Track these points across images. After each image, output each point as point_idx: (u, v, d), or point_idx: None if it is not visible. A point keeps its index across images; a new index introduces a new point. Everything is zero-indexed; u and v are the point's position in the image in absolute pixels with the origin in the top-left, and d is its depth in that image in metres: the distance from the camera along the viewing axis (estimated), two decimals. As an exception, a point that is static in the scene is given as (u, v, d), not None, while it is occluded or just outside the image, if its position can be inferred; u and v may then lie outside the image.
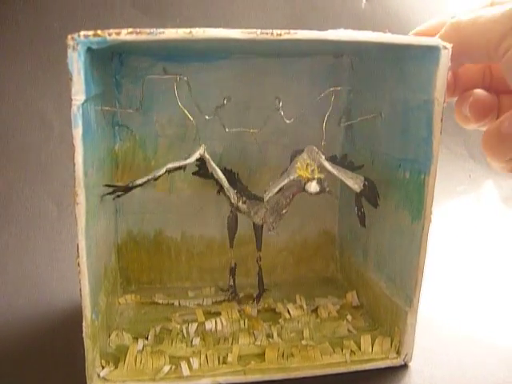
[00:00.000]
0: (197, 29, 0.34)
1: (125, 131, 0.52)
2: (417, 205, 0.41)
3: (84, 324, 0.37)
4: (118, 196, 0.44)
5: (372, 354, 0.44)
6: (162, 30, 0.33)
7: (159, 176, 0.43)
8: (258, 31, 0.34)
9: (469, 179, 0.88)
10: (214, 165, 0.44)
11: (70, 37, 0.33)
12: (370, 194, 0.45)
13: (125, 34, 0.33)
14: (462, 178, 0.88)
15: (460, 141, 0.87)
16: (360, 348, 0.44)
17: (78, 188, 0.35)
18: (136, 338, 0.45)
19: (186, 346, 0.44)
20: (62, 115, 0.68)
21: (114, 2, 0.70)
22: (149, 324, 0.48)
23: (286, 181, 0.43)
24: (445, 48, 0.36)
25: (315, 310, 0.51)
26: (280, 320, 0.49)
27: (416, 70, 0.40)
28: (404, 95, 0.42)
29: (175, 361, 0.42)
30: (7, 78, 0.69)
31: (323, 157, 0.43)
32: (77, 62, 0.33)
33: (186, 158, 0.43)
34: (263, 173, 0.55)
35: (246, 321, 0.48)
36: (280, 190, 0.44)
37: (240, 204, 0.47)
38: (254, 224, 0.50)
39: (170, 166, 0.43)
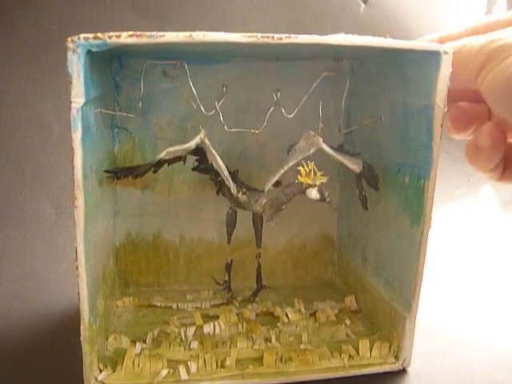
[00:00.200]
0: (197, 32, 0.34)
1: (124, 133, 0.52)
2: (416, 210, 0.41)
3: (82, 327, 0.37)
4: (118, 178, 0.44)
5: (370, 359, 0.44)
6: (162, 33, 0.33)
7: (159, 161, 0.43)
8: (259, 35, 0.34)
9: (467, 183, 0.88)
10: (213, 151, 0.44)
11: (69, 39, 0.32)
12: (370, 176, 0.45)
13: (125, 37, 0.33)
14: (460, 181, 0.87)
15: (459, 144, 0.87)
16: (358, 352, 0.44)
17: (77, 191, 0.35)
18: (134, 342, 0.45)
19: (184, 349, 0.44)
20: (61, 118, 0.68)
21: (113, 4, 0.70)
22: (147, 327, 0.48)
23: (282, 171, 0.44)
24: (446, 53, 0.36)
25: (313, 314, 0.51)
26: (278, 324, 0.49)
27: (416, 74, 0.40)
28: (404, 100, 0.42)
29: (173, 364, 0.42)
30: (6, 80, 0.68)
31: (321, 139, 0.43)
32: (76, 65, 0.33)
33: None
34: (262, 176, 0.55)
35: (245, 324, 0.48)
36: (280, 183, 0.44)
37: (240, 195, 0.47)
38: (253, 219, 0.51)
39: (171, 149, 0.43)
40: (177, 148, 0.43)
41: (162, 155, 0.43)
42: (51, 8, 0.68)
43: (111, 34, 0.33)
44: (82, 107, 0.34)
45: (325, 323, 0.50)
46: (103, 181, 0.45)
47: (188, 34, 0.34)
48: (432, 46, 0.36)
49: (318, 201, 0.43)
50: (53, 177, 0.69)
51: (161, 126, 0.53)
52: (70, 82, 0.33)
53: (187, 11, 0.72)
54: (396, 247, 0.44)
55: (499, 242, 0.76)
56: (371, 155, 0.49)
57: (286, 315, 0.50)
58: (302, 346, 0.45)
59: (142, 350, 0.44)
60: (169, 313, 0.51)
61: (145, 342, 0.45)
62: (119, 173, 0.44)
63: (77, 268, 0.36)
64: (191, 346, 0.45)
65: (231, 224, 0.52)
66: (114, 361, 0.42)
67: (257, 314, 0.51)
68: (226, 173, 0.45)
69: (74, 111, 0.34)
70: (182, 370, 0.41)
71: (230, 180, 0.45)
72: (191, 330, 0.47)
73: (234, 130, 0.45)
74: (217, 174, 0.46)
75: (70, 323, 0.45)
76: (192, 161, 0.49)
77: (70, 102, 0.33)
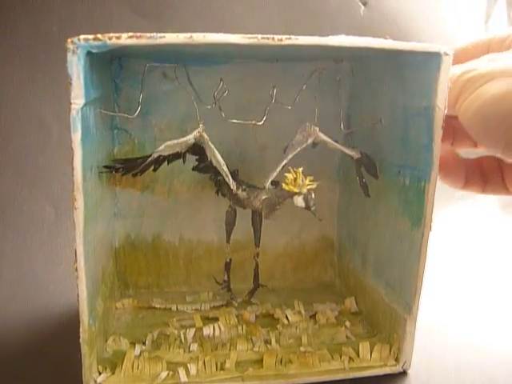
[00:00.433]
0: (197, 33, 0.33)
1: (124, 135, 0.52)
2: (417, 211, 0.40)
3: (81, 329, 0.37)
4: (117, 171, 0.44)
5: (370, 361, 0.44)
6: (162, 34, 0.33)
7: (159, 158, 0.43)
8: (259, 36, 0.34)
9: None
10: (212, 146, 0.44)
11: (69, 40, 0.32)
12: (369, 164, 0.46)
13: (125, 38, 0.33)
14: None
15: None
16: (358, 355, 0.44)
17: (77, 192, 0.35)
18: (133, 344, 0.45)
19: (184, 351, 0.44)
20: (61, 119, 0.68)
21: (113, 6, 0.70)
22: (146, 329, 0.47)
23: (281, 165, 0.45)
24: (446, 54, 0.36)
25: (313, 316, 0.51)
26: (278, 326, 0.49)
27: (417, 76, 0.40)
28: (404, 101, 0.42)
29: (173, 367, 0.41)
30: (6, 82, 0.68)
31: (317, 129, 0.44)
32: (76, 66, 0.33)
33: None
34: (262, 177, 0.55)
35: (244, 326, 0.48)
36: (278, 184, 0.45)
37: (240, 192, 0.47)
38: (252, 218, 0.51)
39: (169, 143, 0.43)
40: (175, 142, 0.43)
41: (161, 148, 0.43)
42: (51, 9, 0.68)
43: (111, 35, 0.33)
44: (82, 108, 0.34)
45: (325, 325, 0.50)
46: (103, 182, 0.45)
47: (188, 35, 0.33)
48: (432, 47, 0.36)
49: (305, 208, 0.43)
50: (52, 178, 0.68)
51: (160, 127, 0.53)
52: (70, 83, 0.33)
53: (187, 13, 0.72)
54: (396, 249, 0.44)
55: (499, 244, 0.76)
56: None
57: (286, 317, 0.50)
58: (301, 348, 0.45)
59: (141, 352, 0.43)
60: (168, 314, 0.51)
61: (144, 343, 0.45)
62: (117, 165, 0.44)
63: (76, 270, 0.36)
64: (191, 348, 0.44)
65: (230, 223, 0.52)
66: (113, 363, 0.42)
67: (256, 316, 0.51)
68: (225, 168, 0.45)
69: (73, 112, 0.33)
70: (181, 372, 0.41)
71: (230, 176, 0.45)
72: (191, 332, 0.47)
73: (235, 121, 0.44)
74: (216, 173, 0.46)
75: (69, 325, 0.45)
76: (192, 162, 0.49)
77: (70, 103, 0.33)
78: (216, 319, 0.49)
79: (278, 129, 0.52)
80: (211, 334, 0.47)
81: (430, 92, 0.37)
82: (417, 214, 0.40)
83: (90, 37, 0.32)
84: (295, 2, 0.75)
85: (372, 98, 0.49)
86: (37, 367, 0.43)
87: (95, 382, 0.39)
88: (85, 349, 0.37)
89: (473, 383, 0.43)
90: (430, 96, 0.38)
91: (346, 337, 0.47)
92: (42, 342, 0.46)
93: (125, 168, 0.44)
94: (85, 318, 0.37)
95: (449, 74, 0.37)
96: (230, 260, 0.53)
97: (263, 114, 0.45)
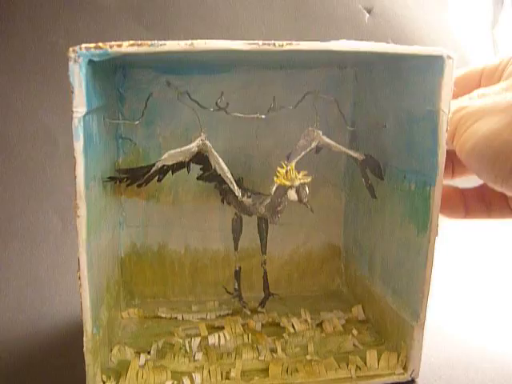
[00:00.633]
0: (198, 40, 0.34)
1: (128, 144, 0.52)
2: (423, 217, 0.40)
3: (85, 338, 0.37)
4: (120, 181, 0.44)
5: (378, 370, 0.43)
6: (163, 41, 0.33)
7: (163, 168, 0.43)
8: (260, 42, 0.34)
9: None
10: (215, 154, 0.44)
11: (71, 49, 0.33)
12: (374, 165, 0.45)
13: (126, 46, 0.33)
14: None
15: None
16: (366, 363, 0.43)
17: (79, 201, 0.35)
18: (138, 353, 0.44)
19: (189, 360, 0.44)
20: (68, 131, 0.68)
21: (119, 18, 0.70)
22: (151, 338, 0.47)
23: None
24: (449, 58, 0.36)
25: (320, 325, 0.50)
26: (284, 334, 0.48)
27: (420, 80, 0.39)
28: (408, 106, 0.42)
29: (177, 376, 0.41)
30: (14, 93, 0.69)
31: (321, 132, 0.44)
32: (78, 75, 0.33)
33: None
34: (266, 185, 0.55)
35: (250, 335, 0.48)
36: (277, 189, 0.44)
37: (245, 199, 0.46)
38: (258, 225, 0.51)
39: (172, 151, 0.43)
40: (178, 150, 0.43)
41: (163, 158, 0.43)
42: (58, 22, 0.69)
43: (112, 43, 0.33)
44: (84, 117, 0.34)
45: (331, 334, 0.49)
46: (107, 191, 0.45)
47: (189, 42, 0.34)
48: (435, 50, 0.36)
49: (299, 202, 0.42)
50: (59, 189, 0.69)
51: (165, 136, 0.53)
52: (72, 92, 0.33)
53: (192, 24, 0.72)
54: (403, 255, 0.44)
55: (507, 249, 0.75)
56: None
57: (292, 326, 0.50)
58: (308, 357, 0.44)
59: (146, 361, 0.43)
60: (174, 324, 0.51)
61: (149, 353, 0.45)
62: (122, 175, 0.44)
63: (79, 278, 0.36)
64: (196, 358, 0.44)
65: (237, 230, 0.51)
66: (117, 372, 0.41)
67: (262, 325, 0.50)
68: (229, 175, 0.45)
69: (75, 121, 0.34)
70: (186, 381, 0.40)
71: (234, 183, 0.45)
72: (196, 341, 0.46)
73: (238, 115, 0.44)
74: (221, 181, 0.46)
75: (74, 334, 0.45)
76: (196, 171, 0.49)
77: (72, 112, 0.34)
78: (221, 328, 0.49)
79: (282, 137, 0.52)
80: (216, 343, 0.47)
81: (434, 96, 0.37)
82: (423, 219, 0.40)
83: (92, 45, 0.33)
84: (300, 11, 0.75)
85: (376, 103, 0.48)
86: (42, 376, 0.42)
87: (99, 391, 0.39)
88: (88, 358, 0.37)
89: (483, 392, 0.42)
90: (433, 100, 0.37)
91: (353, 345, 0.47)
92: (47, 352, 0.46)
93: (129, 179, 0.44)
94: (88, 326, 0.37)
95: (452, 77, 0.36)
96: (240, 268, 0.53)
97: (267, 121, 0.45)
